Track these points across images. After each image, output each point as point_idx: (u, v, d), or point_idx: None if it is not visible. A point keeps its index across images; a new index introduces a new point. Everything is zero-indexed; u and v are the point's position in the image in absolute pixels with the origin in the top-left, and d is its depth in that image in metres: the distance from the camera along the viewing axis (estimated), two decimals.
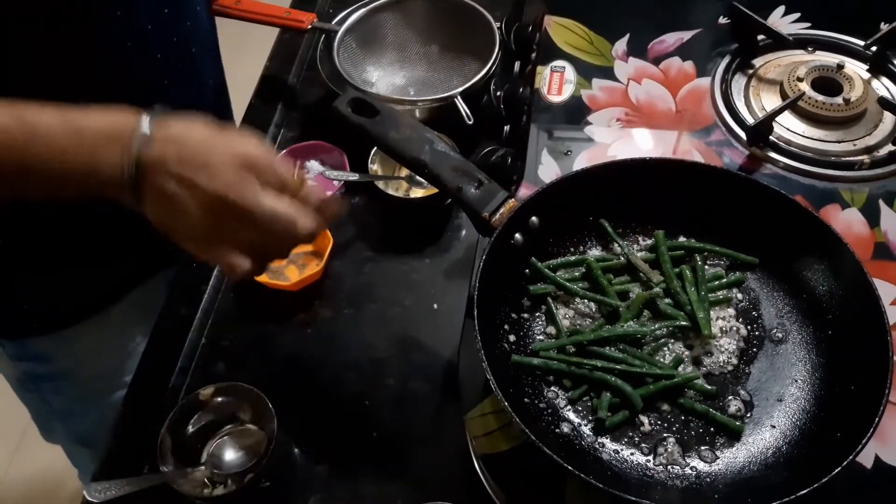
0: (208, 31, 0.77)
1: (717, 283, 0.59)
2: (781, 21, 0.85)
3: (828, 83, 0.75)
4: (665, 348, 0.56)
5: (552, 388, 0.54)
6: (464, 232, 0.77)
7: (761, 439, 0.52)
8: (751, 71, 0.80)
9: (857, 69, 0.78)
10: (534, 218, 0.59)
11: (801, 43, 0.81)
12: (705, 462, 0.51)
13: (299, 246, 0.75)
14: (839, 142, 0.72)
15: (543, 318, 0.59)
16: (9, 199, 0.52)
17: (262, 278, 0.72)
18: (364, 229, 0.79)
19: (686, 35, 0.84)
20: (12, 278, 0.72)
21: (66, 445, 0.93)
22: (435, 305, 0.73)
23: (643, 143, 0.75)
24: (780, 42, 0.81)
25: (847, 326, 0.54)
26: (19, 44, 0.57)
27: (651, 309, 0.58)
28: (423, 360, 0.69)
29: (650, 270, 0.59)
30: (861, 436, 0.47)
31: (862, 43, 0.80)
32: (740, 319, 0.58)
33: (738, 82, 0.79)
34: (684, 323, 0.56)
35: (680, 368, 0.55)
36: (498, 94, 0.81)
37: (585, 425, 0.52)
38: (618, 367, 0.53)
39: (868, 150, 0.72)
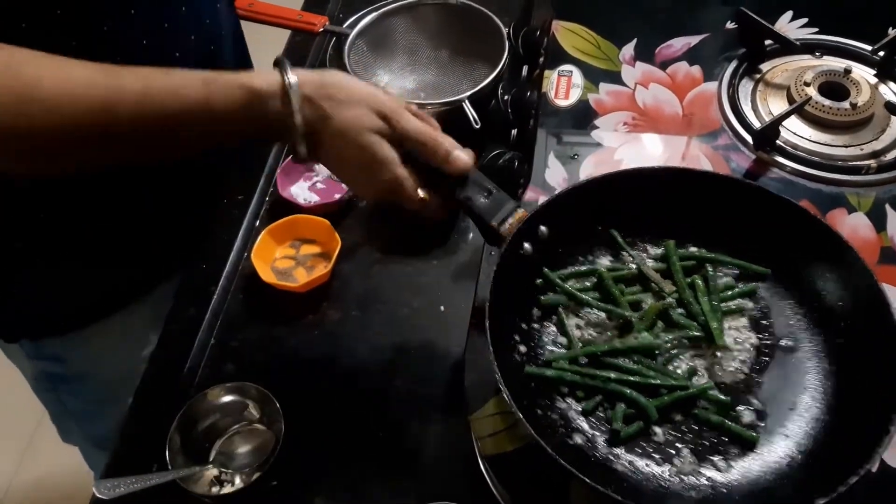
0: (232, 30, 0.77)
1: (729, 293, 0.58)
2: (789, 26, 0.85)
3: (835, 88, 0.75)
4: (678, 359, 0.56)
5: (565, 399, 0.54)
6: (471, 235, 0.78)
7: (775, 449, 0.52)
8: (758, 76, 0.80)
9: (864, 74, 0.78)
10: (542, 227, 0.59)
11: (808, 48, 0.82)
12: (720, 472, 0.51)
13: (307, 248, 0.78)
14: (846, 146, 0.72)
15: (554, 329, 0.58)
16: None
17: (271, 280, 0.73)
18: (371, 232, 0.80)
19: (693, 40, 0.84)
20: (27, 278, 0.73)
21: (83, 447, 0.94)
22: (442, 307, 0.73)
23: (650, 148, 0.75)
24: (787, 47, 0.81)
25: (858, 334, 0.54)
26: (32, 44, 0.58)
27: (664, 319, 0.57)
28: (429, 361, 0.69)
29: (662, 280, 0.59)
30: (875, 444, 0.46)
31: (869, 48, 0.80)
32: (752, 329, 0.58)
33: (746, 87, 0.79)
34: (697, 333, 0.56)
35: (693, 379, 0.55)
36: (506, 98, 0.82)
37: (599, 436, 0.52)
38: (632, 378, 0.53)
39: (875, 154, 0.72)
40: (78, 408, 0.85)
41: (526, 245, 0.58)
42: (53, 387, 0.83)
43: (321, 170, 0.83)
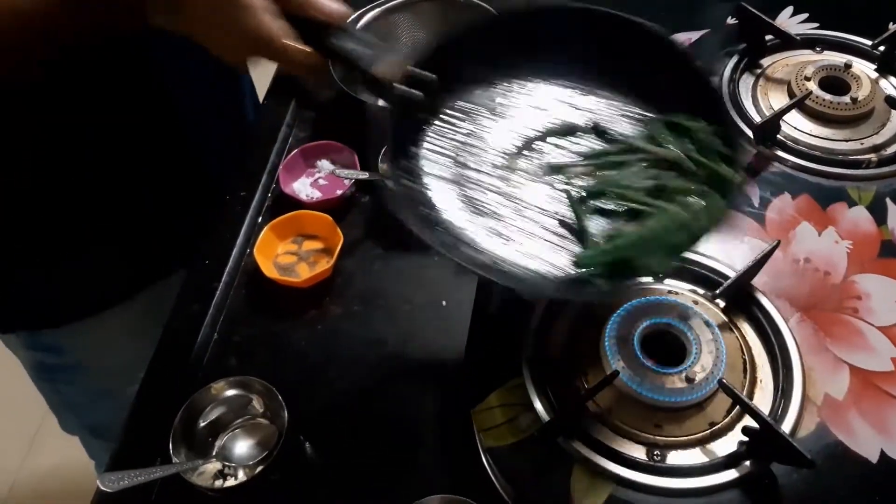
0: None
1: None
2: (789, 21, 0.86)
3: (835, 82, 0.76)
4: None
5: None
6: None
7: None
8: (759, 70, 0.80)
9: (864, 69, 0.78)
10: (432, 74, 0.56)
11: (808, 43, 0.82)
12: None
13: (310, 244, 0.78)
14: (846, 140, 0.73)
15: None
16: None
17: (274, 275, 0.73)
18: (374, 227, 0.80)
19: (694, 35, 0.85)
20: (25, 271, 0.73)
21: (82, 436, 0.95)
22: (444, 302, 0.73)
23: None
24: (787, 42, 0.81)
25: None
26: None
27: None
28: (431, 355, 0.70)
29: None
30: None
31: (870, 43, 0.80)
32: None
33: (746, 82, 0.79)
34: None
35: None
36: None
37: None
38: None
39: (875, 148, 0.72)
40: (75, 398, 0.86)
41: (414, 91, 0.55)
42: (50, 377, 0.84)
43: (323, 166, 0.83)
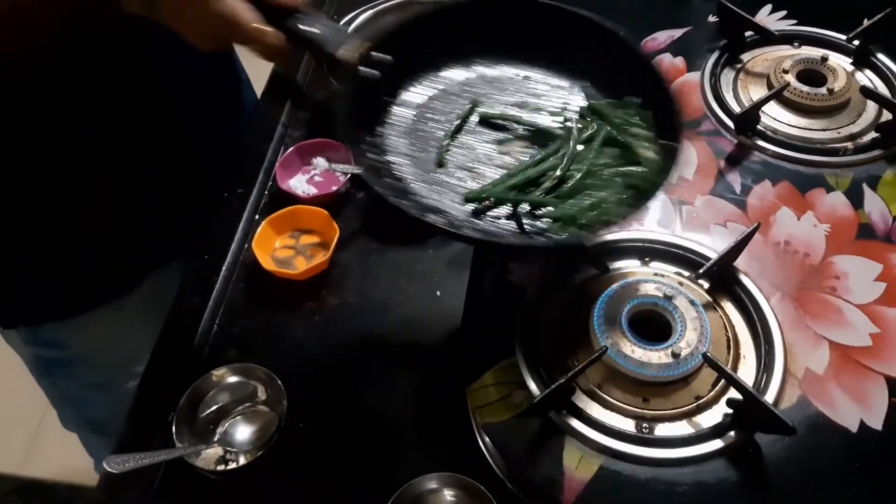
0: None
1: None
2: (769, 18, 0.89)
3: (813, 75, 0.78)
4: None
5: None
6: None
7: None
8: (739, 65, 0.83)
9: (840, 62, 0.81)
10: (387, 56, 0.59)
11: (787, 38, 0.85)
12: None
13: (306, 238, 0.80)
14: (824, 130, 0.75)
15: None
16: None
17: (272, 268, 0.75)
18: (369, 221, 0.82)
19: (677, 33, 0.88)
20: (25, 266, 0.75)
21: (80, 432, 0.96)
22: (438, 293, 0.75)
23: None
24: (766, 37, 0.84)
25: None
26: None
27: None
28: (426, 342, 0.71)
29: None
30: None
31: (845, 37, 0.83)
32: None
33: (727, 76, 0.82)
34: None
35: None
36: None
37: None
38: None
39: (852, 137, 0.75)
40: (75, 392, 0.87)
41: (371, 70, 0.58)
42: (50, 371, 0.85)
43: (319, 163, 0.85)
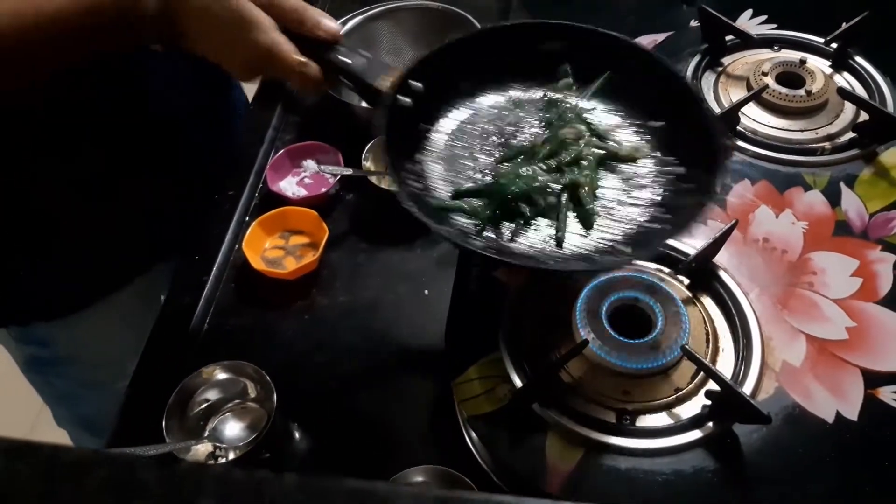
0: None
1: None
2: (749, 23, 0.90)
3: (791, 77, 0.80)
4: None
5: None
6: None
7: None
8: (720, 69, 0.85)
9: (819, 64, 0.83)
10: (419, 84, 0.60)
11: (766, 42, 0.87)
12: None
13: (296, 239, 0.81)
14: (802, 130, 0.77)
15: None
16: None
17: (262, 268, 0.76)
18: (358, 222, 0.83)
19: (660, 37, 0.89)
20: (12, 265, 0.76)
21: (71, 430, 0.97)
22: (426, 291, 0.77)
23: None
24: (747, 42, 0.86)
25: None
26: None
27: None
28: (414, 339, 0.73)
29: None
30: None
31: (823, 40, 0.85)
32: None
33: (708, 79, 0.84)
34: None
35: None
36: None
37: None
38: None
39: (829, 137, 0.76)
40: (66, 390, 0.88)
41: (405, 99, 0.59)
42: (41, 370, 0.86)
43: (309, 166, 0.87)
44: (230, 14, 0.53)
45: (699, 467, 0.54)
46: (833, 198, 0.71)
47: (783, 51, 0.86)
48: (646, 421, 0.56)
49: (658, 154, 0.60)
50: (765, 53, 0.86)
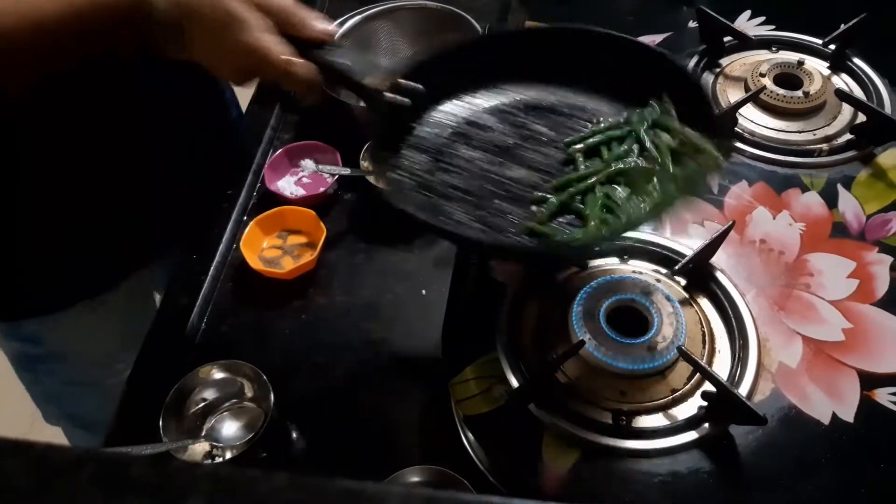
0: None
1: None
2: (748, 24, 0.90)
3: (789, 78, 0.80)
4: None
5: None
6: None
7: None
8: (718, 69, 0.85)
9: (817, 65, 0.83)
10: (419, 85, 0.59)
11: (764, 43, 0.87)
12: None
13: (294, 238, 0.81)
14: (800, 132, 0.77)
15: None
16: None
17: (259, 267, 0.76)
18: (356, 222, 0.83)
19: (657, 38, 0.89)
20: (4, 263, 0.75)
21: (64, 427, 0.97)
22: (423, 291, 0.77)
23: None
24: (745, 43, 0.86)
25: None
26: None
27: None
28: (411, 340, 0.73)
29: None
30: None
31: (821, 41, 0.85)
32: None
33: (706, 80, 0.84)
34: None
35: None
36: None
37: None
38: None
39: (827, 139, 0.76)
40: (56, 388, 0.88)
41: (403, 98, 0.58)
42: (31, 367, 0.86)
43: (307, 165, 0.87)
44: (219, 15, 0.52)
45: (695, 468, 0.54)
46: (830, 199, 0.71)
47: (781, 52, 0.86)
48: (642, 422, 0.56)
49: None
50: (763, 54, 0.86)
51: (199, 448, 0.65)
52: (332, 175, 0.84)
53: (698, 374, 0.58)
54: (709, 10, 0.85)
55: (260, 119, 0.93)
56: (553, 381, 0.58)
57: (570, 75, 0.64)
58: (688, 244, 0.67)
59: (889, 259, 0.66)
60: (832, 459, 0.55)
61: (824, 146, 0.75)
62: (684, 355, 0.57)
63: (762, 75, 0.80)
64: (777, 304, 0.63)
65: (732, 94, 0.81)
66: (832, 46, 0.84)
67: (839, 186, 0.72)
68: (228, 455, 0.64)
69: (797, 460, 0.55)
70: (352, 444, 0.66)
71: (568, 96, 0.65)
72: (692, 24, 0.90)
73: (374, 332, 0.74)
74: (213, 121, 0.89)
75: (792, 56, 0.84)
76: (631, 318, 0.61)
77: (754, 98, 0.78)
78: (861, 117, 0.77)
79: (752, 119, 0.78)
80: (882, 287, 0.64)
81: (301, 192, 0.85)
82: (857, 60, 0.84)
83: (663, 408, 0.57)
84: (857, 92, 0.81)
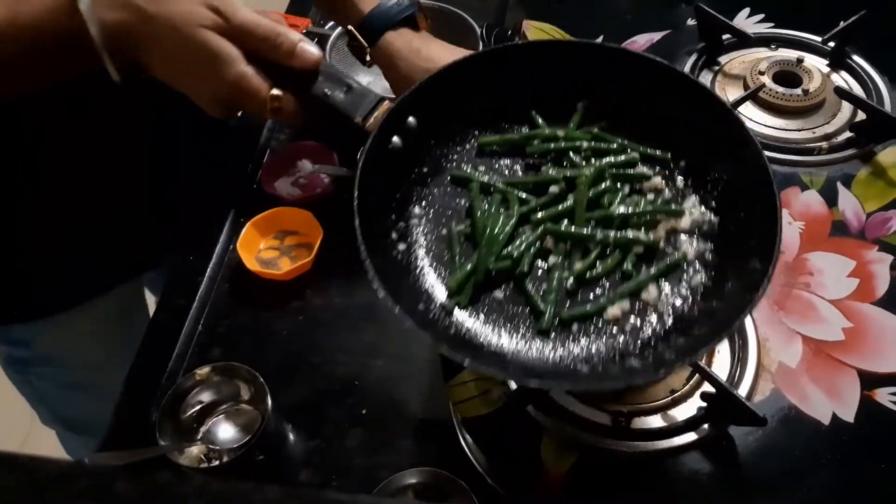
0: None
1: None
2: (747, 22, 0.90)
3: (788, 76, 0.80)
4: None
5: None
6: None
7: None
8: (717, 67, 0.84)
9: (816, 63, 0.82)
10: (411, 119, 0.54)
11: (763, 41, 0.86)
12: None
13: (291, 239, 0.81)
14: (799, 130, 0.77)
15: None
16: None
17: (256, 268, 0.76)
18: (353, 223, 0.83)
19: (656, 36, 0.89)
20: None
21: (57, 431, 0.96)
22: None
23: None
24: (744, 40, 0.86)
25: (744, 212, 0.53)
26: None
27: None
28: (409, 341, 0.72)
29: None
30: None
31: (820, 39, 0.85)
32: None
33: (705, 78, 0.83)
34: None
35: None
36: None
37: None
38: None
39: (826, 137, 0.76)
40: (48, 391, 0.87)
41: (395, 139, 0.54)
42: (21, 370, 0.85)
43: (304, 166, 0.86)
44: (192, 47, 0.48)
45: (695, 470, 0.54)
46: (830, 198, 0.71)
47: (780, 50, 0.86)
48: (641, 423, 0.56)
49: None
50: (762, 52, 0.85)
51: (196, 451, 0.64)
52: (329, 176, 0.84)
53: (697, 374, 0.58)
54: (707, 8, 0.85)
55: (257, 120, 0.92)
56: None
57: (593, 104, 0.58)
58: None
59: (889, 258, 0.66)
60: (832, 460, 0.55)
61: (824, 144, 0.75)
62: None
63: (761, 73, 0.79)
64: (777, 304, 0.63)
65: (731, 93, 0.81)
66: (831, 44, 0.84)
67: (839, 185, 0.72)
68: (225, 458, 0.64)
69: (797, 461, 0.55)
70: (349, 446, 0.65)
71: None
72: (691, 21, 0.90)
73: (371, 333, 0.73)
74: (212, 122, 0.89)
75: (791, 54, 0.83)
76: None
77: (753, 96, 0.77)
78: (861, 115, 0.77)
79: (751, 117, 0.78)
80: (882, 286, 0.64)
81: (298, 192, 0.84)
82: (856, 58, 0.84)
83: (662, 409, 0.57)
84: (857, 90, 0.81)
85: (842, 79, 0.82)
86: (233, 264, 0.79)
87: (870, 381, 0.58)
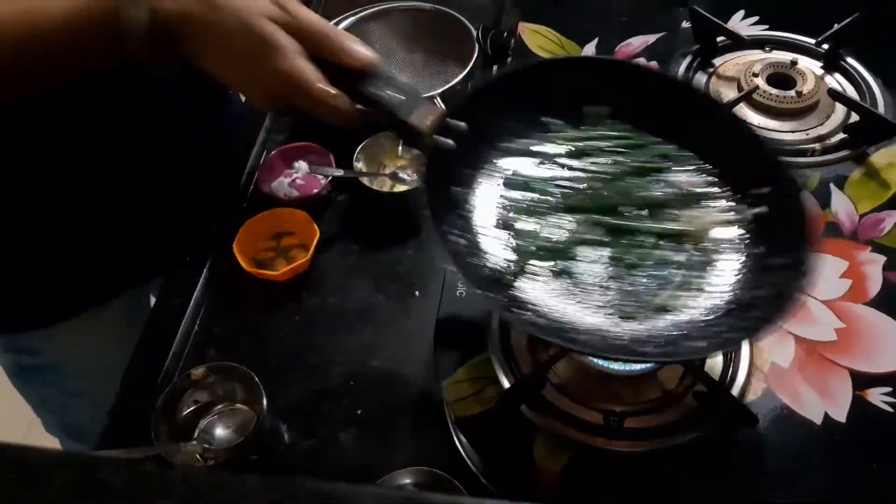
0: None
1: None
2: (741, 24, 0.90)
3: (782, 78, 0.80)
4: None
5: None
6: None
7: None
8: (711, 70, 0.85)
9: (810, 65, 0.83)
10: (463, 123, 0.55)
11: (758, 43, 0.87)
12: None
13: (287, 240, 0.81)
14: (793, 131, 0.77)
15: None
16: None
17: (252, 269, 0.76)
18: (349, 223, 0.83)
19: (651, 38, 0.89)
20: (1, 276, 0.75)
21: (61, 438, 0.96)
22: (416, 293, 0.77)
23: None
24: (738, 42, 0.86)
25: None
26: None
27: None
28: (405, 341, 0.72)
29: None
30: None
31: (814, 41, 0.85)
32: None
33: (699, 80, 0.84)
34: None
35: None
36: None
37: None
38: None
39: (820, 138, 0.76)
40: (51, 398, 0.87)
41: (449, 140, 0.54)
42: (27, 378, 0.85)
43: (300, 167, 0.87)
44: (253, 35, 0.48)
45: (687, 469, 0.54)
46: (823, 199, 0.71)
47: (774, 52, 0.86)
48: (633, 423, 0.56)
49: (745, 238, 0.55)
50: (756, 54, 0.86)
51: (192, 450, 0.65)
52: (326, 176, 0.84)
53: (690, 374, 0.58)
54: (702, 11, 0.85)
55: (254, 120, 0.93)
56: (544, 381, 0.58)
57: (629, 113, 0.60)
58: None
59: (882, 259, 0.66)
60: (825, 459, 0.55)
61: (817, 146, 0.75)
62: None
63: (755, 75, 0.80)
64: None
65: (725, 94, 0.81)
66: (825, 46, 0.84)
67: (832, 186, 0.72)
68: (220, 457, 0.64)
69: (789, 461, 0.55)
70: (343, 446, 0.66)
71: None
72: (685, 24, 0.90)
73: (366, 334, 0.73)
74: (211, 122, 0.89)
75: (785, 56, 0.84)
76: None
77: (747, 98, 0.78)
78: (854, 117, 0.77)
79: (746, 119, 0.78)
80: (875, 287, 0.64)
81: (294, 193, 0.84)
82: (850, 60, 0.84)
83: (655, 409, 0.57)
84: (851, 91, 0.81)
85: (835, 81, 0.83)
86: (229, 265, 0.79)
87: (862, 381, 0.59)
